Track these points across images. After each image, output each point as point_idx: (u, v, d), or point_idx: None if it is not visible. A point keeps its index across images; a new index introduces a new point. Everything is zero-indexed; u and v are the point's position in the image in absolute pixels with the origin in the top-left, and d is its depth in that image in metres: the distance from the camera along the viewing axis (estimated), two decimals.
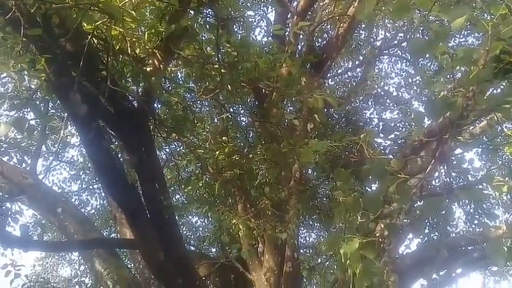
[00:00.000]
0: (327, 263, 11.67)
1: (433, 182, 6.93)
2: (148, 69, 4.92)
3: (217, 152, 5.77)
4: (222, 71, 4.72)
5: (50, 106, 6.49)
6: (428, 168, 3.15)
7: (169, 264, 5.64)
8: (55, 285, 9.12)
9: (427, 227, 9.10)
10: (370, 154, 2.94)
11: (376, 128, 9.41)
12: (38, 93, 5.18)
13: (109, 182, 5.37)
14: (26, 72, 4.16)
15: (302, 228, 11.25)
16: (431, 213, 2.66)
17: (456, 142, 5.31)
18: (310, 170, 7.41)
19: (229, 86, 4.85)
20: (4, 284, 7.35)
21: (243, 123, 7.56)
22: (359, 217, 3.16)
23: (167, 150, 9.20)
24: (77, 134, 8.73)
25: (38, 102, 5.24)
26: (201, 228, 11.63)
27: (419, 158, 3.27)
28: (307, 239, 12.63)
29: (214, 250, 11.34)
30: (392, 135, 8.45)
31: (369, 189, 6.27)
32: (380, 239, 3.27)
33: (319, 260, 11.84)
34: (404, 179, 2.95)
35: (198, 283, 6.23)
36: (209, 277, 8.66)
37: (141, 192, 5.53)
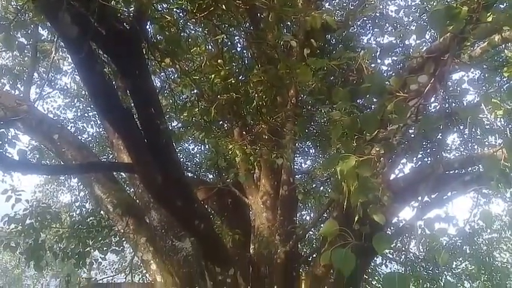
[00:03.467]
0: (322, 187, 11.97)
1: (430, 107, 6.95)
2: None
3: (212, 76, 5.67)
4: None
5: (39, 28, 6.29)
6: (427, 88, 3.11)
7: (168, 187, 5.73)
8: (56, 210, 9.29)
9: (422, 152, 9.24)
10: (369, 72, 2.88)
11: (374, 54, 9.25)
12: (27, 15, 5.01)
13: (104, 107, 5.31)
14: None
15: (298, 155, 11.41)
16: (428, 129, 2.65)
17: (455, 64, 5.24)
18: (307, 94, 7.34)
19: (223, 6, 4.67)
20: (6, 209, 7.53)
21: (239, 46, 7.40)
22: (355, 140, 3.17)
23: (162, 76, 9.10)
24: (69, 58, 8.57)
25: (27, 24, 5.07)
26: (198, 155, 11.77)
27: (418, 76, 3.21)
28: (303, 165, 12.88)
29: (211, 176, 11.56)
30: (391, 61, 8.34)
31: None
32: (376, 159, 3.28)
33: (314, 185, 12.13)
34: (403, 97, 2.92)
35: (196, 206, 6.37)
36: (207, 201, 8.86)
37: (136, 117, 5.51)
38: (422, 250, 12.68)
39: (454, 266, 12.68)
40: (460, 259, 12.98)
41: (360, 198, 2.81)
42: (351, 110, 3.23)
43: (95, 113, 10.54)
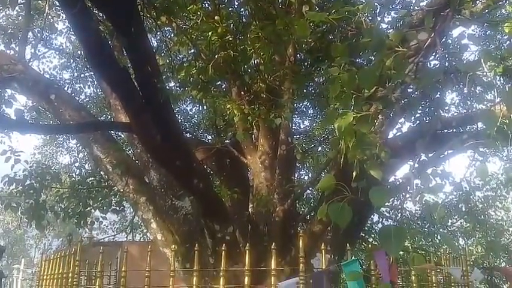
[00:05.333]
0: (320, 148, 12.04)
1: (430, 66, 6.86)
2: None
3: (209, 33, 5.58)
4: None
5: None
6: (426, 43, 3.06)
7: (167, 147, 5.75)
8: (56, 171, 9.35)
9: (420, 112, 9.22)
10: (368, 26, 2.83)
11: (374, 11, 9.07)
12: None
13: (101, 66, 5.26)
14: None
15: (296, 115, 11.40)
16: (427, 84, 2.63)
17: (456, 20, 5.16)
18: (305, 51, 7.24)
19: None
20: (5, 170, 7.56)
21: (236, 2, 7.23)
22: (354, 98, 3.15)
23: (158, 36, 8.97)
24: (64, 16, 8.41)
25: None
26: (196, 116, 11.75)
27: (418, 30, 3.16)
28: (301, 125, 12.90)
29: (210, 137, 11.59)
30: (390, 18, 8.18)
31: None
32: (374, 116, 3.27)
33: (312, 145, 12.19)
34: (402, 53, 2.88)
35: (195, 165, 6.42)
36: (206, 162, 8.90)
37: (133, 76, 5.46)
38: (418, 207, 12.89)
39: (449, 223, 12.92)
40: (456, 217, 13.21)
41: (358, 154, 2.82)
42: (349, 67, 3.19)
43: (92, 73, 10.43)
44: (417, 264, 2.35)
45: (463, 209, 12.91)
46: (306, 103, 10.84)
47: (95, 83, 10.98)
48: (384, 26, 8.08)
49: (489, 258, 13.47)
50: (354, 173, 3.18)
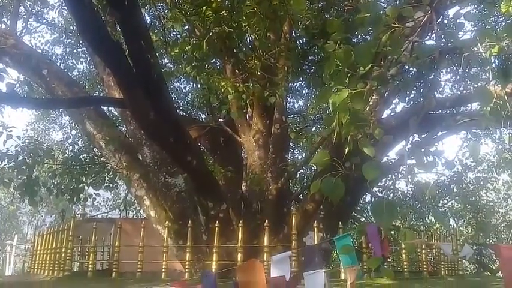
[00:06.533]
0: (314, 128, 12.04)
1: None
2: None
3: (204, 8, 5.49)
4: None
5: None
6: (423, 20, 3.03)
7: (160, 123, 5.71)
8: (48, 147, 9.29)
9: (414, 93, 9.21)
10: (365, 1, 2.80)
11: None
12: None
13: (94, 41, 5.17)
14: None
15: (290, 95, 11.36)
16: (423, 58, 2.61)
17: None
18: (301, 28, 7.15)
19: None
20: None
21: None
22: (349, 76, 3.12)
23: (152, 11, 8.83)
24: None
25: None
26: (190, 94, 11.66)
27: (414, 6, 3.12)
28: (295, 105, 12.86)
29: (203, 116, 11.52)
30: None
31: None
32: (368, 93, 3.25)
33: (306, 125, 12.19)
34: (398, 29, 2.86)
35: (189, 142, 6.39)
36: (199, 140, 8.88)
37: (127, 51, 5.39)
38: (410, 188, 13.01)
39: (440, 204, 13.05)
40: (447, 197, 13.35)
41: (351, 130, 2.81)
42: (344, 41, 3.16)
43: (85, 49, 10.29)
44: (409, 239, 2.37)
45: (455, 190, 13.04)
46: (300, 83, 10.77)
47: (88, 59, 10.84)
48: (380, 2, 8.02)
49: (479, 239, 13.67)
50: (347, 150, 3.17)
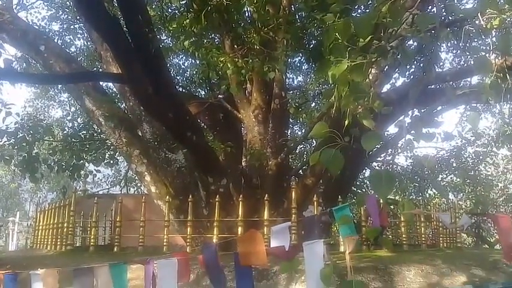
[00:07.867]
0: (313, 103, 12.00)
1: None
2: None
3: None
4: None
5: None
6: None
7: (159, 98, 5.70)
8: (48, 124, 9.29)
9: (414, 67, 9.16)
10: None
11: None
12: None
13: (91, 16, 5.13)
14: None
15: (290, 70, 11.29)
16: (423, 28, 2.58)
17: None
18: (300, 2, 7.05)
19: None
20: None
21: None
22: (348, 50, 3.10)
23: None
24: None
25: None
26: (188, 70, 11.59)
27: None
28: (295, 80, 12.80)
29: (203, 92, 11.48)
30: None
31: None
32: (368, 65, 3.23)
33: (305, 100, 12.14)
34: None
35: (188, 118, 6.39)
36: (199, 116, 8.87)
37: (124, 26, 5.34)
38: (409, 163, 13.05)
39: (439, 178, 13.10)
40: (446, 172, 13.39)
41: (351, 103, 2.81)
42: (344, 12, 3.14)
43: (82, 25, 10.19)
44: (407, 210, 2.39)
45: (454, 165, 13.08)
46: (300, 58, 10.70)
47: (86, 35, 10.74)
48: None
49: (478, 212, 13.74)
50: (346, 123, 3.18)
